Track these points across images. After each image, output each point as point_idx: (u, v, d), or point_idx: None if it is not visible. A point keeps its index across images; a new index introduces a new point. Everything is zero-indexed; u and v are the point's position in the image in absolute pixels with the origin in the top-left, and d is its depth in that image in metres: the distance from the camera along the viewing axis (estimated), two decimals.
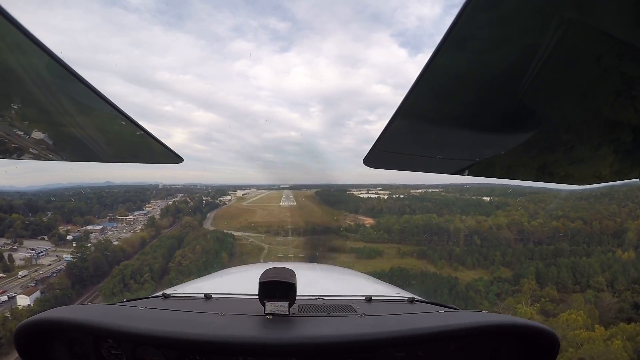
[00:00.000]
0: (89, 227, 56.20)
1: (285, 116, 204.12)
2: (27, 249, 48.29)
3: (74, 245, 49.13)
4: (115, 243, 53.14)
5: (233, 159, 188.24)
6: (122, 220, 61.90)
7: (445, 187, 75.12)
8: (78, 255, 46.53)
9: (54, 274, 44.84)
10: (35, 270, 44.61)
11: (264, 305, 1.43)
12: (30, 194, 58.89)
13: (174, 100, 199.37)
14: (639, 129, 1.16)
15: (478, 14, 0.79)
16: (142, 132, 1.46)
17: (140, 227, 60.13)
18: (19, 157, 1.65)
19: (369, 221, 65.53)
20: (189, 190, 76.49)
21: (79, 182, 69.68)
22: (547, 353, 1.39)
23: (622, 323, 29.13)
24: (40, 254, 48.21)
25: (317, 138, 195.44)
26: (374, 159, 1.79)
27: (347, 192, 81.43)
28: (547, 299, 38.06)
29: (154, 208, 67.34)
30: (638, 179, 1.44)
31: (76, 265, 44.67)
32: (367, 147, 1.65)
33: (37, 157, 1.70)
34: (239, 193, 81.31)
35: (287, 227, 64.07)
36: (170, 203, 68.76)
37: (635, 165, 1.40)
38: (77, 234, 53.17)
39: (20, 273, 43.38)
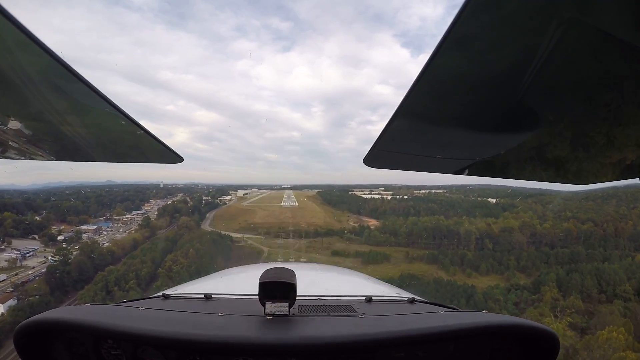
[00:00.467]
0: (83, 227, 53.70)
1: (287, 116, 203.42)
2: (12, 249, 45.22)
3: (64, 245, 46.06)
4: (105, 245, 49.92)
5: (235, 158, 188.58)
6: (118, 219, 59.58)
7: (448, 188, 75.27)
8: (60, 258, 42.77)
9: (36, 278, 41.08)
10: (16, 274, 41.01)
11: (264, 305, 1.44)
12: (30, 193, 57.32)
13: (176, 99, 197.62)
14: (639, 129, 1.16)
15: (478, 13, 0.79)
16: (142, 131, 1.44)
17: (135, 228, 57.55)
18: (19, 157, 1.66)
19: (373, 223, 64.11)
20: (190, 190, 75.72)
21: (80, 181, 69.13)
22: (547, 354, 1.40)
23: None
24: (27, 255, 45.06)
25: (319, 138, 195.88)
26: (374, 158, 1.79)
27: (350, 193, 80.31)
28: (573, 310, 34.93)
29: (153, 207, 65.50)
30: (638, 179, 1.45)
31: (58, 269, 40.87)
32: (369, 148, 1.66)
33: (36, 157, 1.71)
34: (240, 193, 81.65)
35: (288, 229, 62.01)
36: (169, 202, 66.79)
37: (635, 165, 1.39)
38: (70, 234, 50.34)
39: None
